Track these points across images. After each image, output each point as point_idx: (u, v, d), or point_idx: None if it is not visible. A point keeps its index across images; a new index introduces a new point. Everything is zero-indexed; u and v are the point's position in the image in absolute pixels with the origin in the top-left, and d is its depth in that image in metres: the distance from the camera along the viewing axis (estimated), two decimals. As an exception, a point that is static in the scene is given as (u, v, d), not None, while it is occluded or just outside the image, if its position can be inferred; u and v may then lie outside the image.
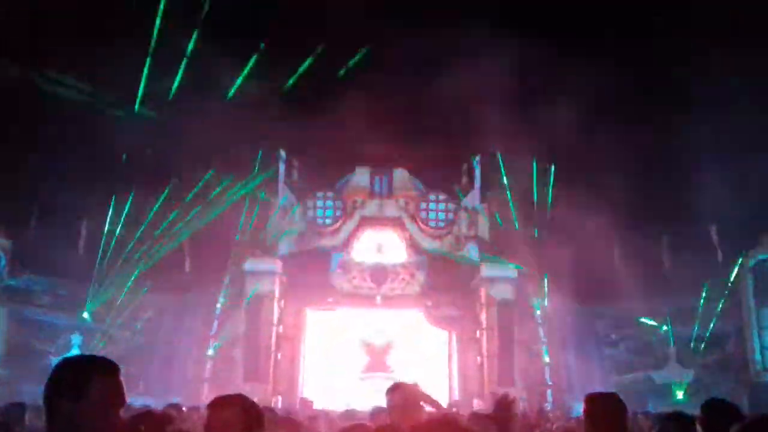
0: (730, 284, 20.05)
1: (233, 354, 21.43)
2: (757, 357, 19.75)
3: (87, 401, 2.08)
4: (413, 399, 3.91)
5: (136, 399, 13.79)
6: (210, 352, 21.54)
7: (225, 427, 2.61)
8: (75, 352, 23.19)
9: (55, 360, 22.58)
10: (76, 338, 23.32)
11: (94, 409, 2.08)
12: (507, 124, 18.48)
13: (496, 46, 17.53)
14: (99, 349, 23.72)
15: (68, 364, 2.25)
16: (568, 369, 21.33)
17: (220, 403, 2.75)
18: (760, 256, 19.66)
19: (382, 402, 4.14)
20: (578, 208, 18.06)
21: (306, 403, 18.73)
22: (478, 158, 23.50)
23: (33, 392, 17.74)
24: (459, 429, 1.55)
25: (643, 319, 21.56)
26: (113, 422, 2.14)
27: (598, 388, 20.83)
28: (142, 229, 21.39)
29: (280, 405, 18.91)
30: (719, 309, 20.32)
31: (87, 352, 23.16)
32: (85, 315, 22.95)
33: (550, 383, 21.17)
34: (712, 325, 20.95)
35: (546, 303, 22.09)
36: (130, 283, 22.49)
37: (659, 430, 4.48)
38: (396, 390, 3.94)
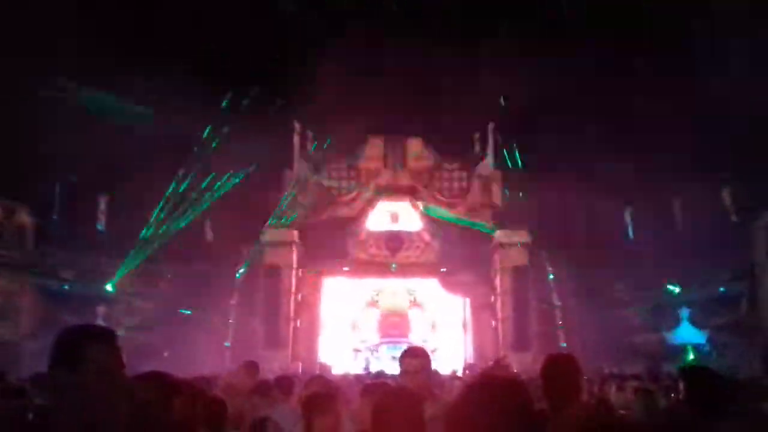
0: (743, 246, 20.10)
1: (253, 322, 21.95)
2: (770, 317, 19.85)
3: (83, 369, 2.08)
4: (428, 366, 3.81)
5: (160, 367, 14.36)
6: (231, 320, 22.06)
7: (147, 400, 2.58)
8: (100, 323, 23.87)
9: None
10: (100, 310, 23.93)
11: (91, 377, 2.08)
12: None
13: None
14: (123, 320, 24.43)
15: (64, 334, 2.24)
16: (582, 332, 21.63)
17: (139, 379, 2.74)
18: (774, 217, 19.63)
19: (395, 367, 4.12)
20: (588, 175, 18.17)
21: (325, 368, 19.27)
22: (491, 126, 23.56)
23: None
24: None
25: (669, 286, 21.69)
26: (114, 388, 2.14)
27: (612, 349, 21.21)
28: (162, 202, 21.79)
29: (300, 370, 19.48)
30: (732, 271, 20.41)
31: (111, 324, 23.85)
32: (109, 287, 23.54)
33: (564, 346, 21.52)
34: (724, 287, 21.11)
35: (560, 266, 22.34)
36: (151, 255, 22.99)
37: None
38: (412, 355, 3.83)
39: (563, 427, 2.76)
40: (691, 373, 3.58)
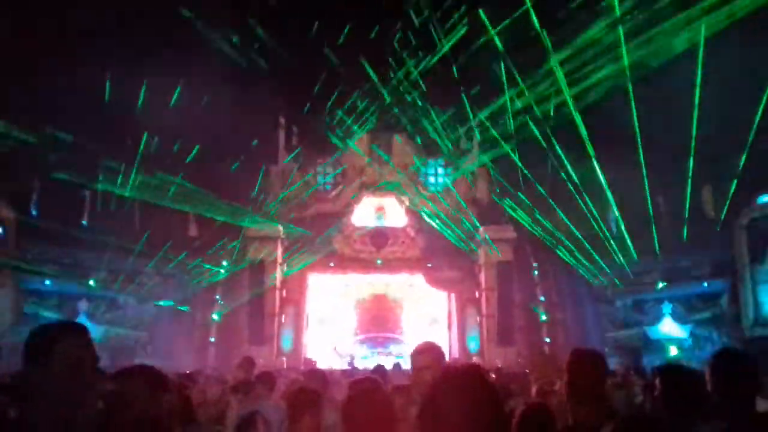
0: (723, 243, 20.37)
1: (238, 318, 21.86)
2: (750, 313, 20.17)
3: (51, 365, 2.07)
4: (439, 361, 3.71)
5: (143, 363, 14.28)
6: (215, 316, 21.96)
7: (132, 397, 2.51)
8: (82, 319, 23.67)
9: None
10: (82, 305, 23.74)
11: (58, 372, 2.07)
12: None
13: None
14: (105, 316, 24.25)
15: (35, 330, 2.23)
16: (565, 326, 21.82)
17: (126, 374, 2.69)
18: (754, 215, 19.93)
19: (382, 362, 4.06)
20: (574, 169, 18.28)
21: (309, 364, 19.25)
22: (476, 122, 23.61)
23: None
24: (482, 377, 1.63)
25: (651, 282, 21.93)
26: (82, 384, 2.12)
27: (595, 344, 21.39)
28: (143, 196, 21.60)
29: (285, 366, 19.44)
30: (713, 267, 20.69)
31: (94, 320, 23.67)
32: (91, 283, 23.34)
33: (547, 341, 21.69)
34: (706, 282, 21.39)
35: (544, 262, 22.50)
36: (134, 250, 22.79)
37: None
38: (424, 351, 3.73)
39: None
40: (665, 371, 3.58)
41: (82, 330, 2.25)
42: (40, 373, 2.09)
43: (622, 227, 19.80)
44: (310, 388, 3.93)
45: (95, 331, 23.68)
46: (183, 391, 3.47)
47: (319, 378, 4.53)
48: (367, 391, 2.71)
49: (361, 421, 2.49)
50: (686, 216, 18.88)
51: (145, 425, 2.43)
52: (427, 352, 3.70)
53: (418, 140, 23.54)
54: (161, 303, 22.32)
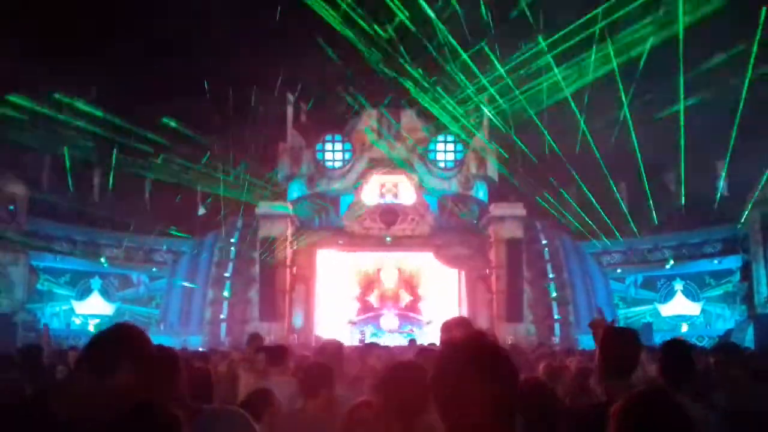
0: (737, 219, 20.22)
1: (249, 295, 21.99)
2: (763, 290, 20.06)
3: (113, 380, 2.00)
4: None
5: (156, 339, 14.43)
6: (226, 293, 22.09)
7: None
8: (96, 296, 23.95)
9: (76, 303, 23.40)
10: (95, 282, 23.98)
11: (120, 389, 2.00)
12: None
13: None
14: (118, 293, 24.51)
15: (102, 339, 2.14)
16: (575, 303, 21.79)
17: None
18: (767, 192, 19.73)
19: (392, 339, 3.94)
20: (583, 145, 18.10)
21: (320, 341, 19.34)
22: (485, 96, 23.39)
23: (56, 335, 18.47)
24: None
25: (663, 259, 21.84)
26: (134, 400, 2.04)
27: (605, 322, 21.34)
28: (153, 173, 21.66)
29: (296, 342, 19.57)
30: (726, 243, 20.57)
31: (107, 297, 23.93)
32: (103, 260, 23.53)
33: (557, 318, 21.69)
34: (718, 259, 21.27)
35: (553, 239, 22.44)
36: (145, 228, 22.93)
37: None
38: (459, 326, 3.60)
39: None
40: (667, 345, 3.63)
41: (146, 350, 2.14)
42: (96, 384, 1.99)
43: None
44: (324, 364, 3.90)
45: (108, 308, 23.97)
46: (198, 371, 3.43)
47: (331, 353, 4.50)
48: (406, 368, 2.66)
49: (399, 399, 2.44)
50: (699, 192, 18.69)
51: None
52: (461, 327, 3.56)
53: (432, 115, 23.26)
54: (176, 283, 22.48)
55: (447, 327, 3.62)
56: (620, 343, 3.13)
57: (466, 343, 1.59)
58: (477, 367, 1.49)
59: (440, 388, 1.52)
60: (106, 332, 2.17)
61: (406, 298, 23.50)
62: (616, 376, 3.01)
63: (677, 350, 3.47)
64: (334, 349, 4.67)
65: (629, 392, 1.98)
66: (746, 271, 20.52)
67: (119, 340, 2.12)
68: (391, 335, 21.68)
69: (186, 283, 22.31)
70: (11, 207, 21.10)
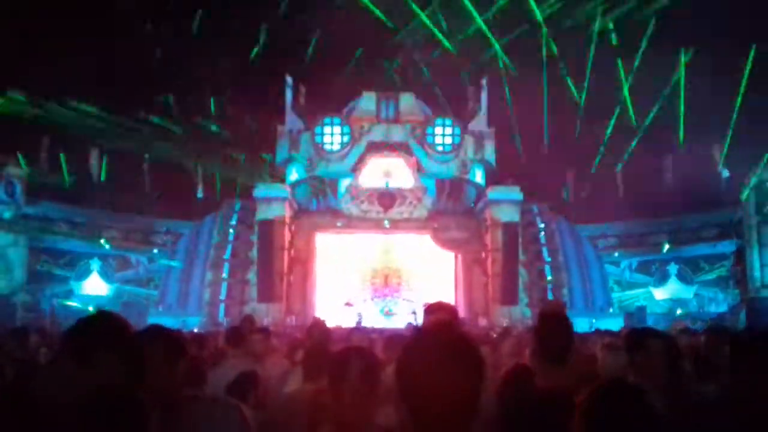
0: (731, 203, 20.32)
1: (247, 277, 22.13)
2: (756, 274, 20.21)
3: (94, 368, 2.01)
4: (453, 321, 3.50)
5: (154, 320, 14.56)
6: (224, 274, 22.22)
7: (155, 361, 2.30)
8: (95, 277, 24.11)
9: (75, 285, 23.56)
10: (95, 263, 24.11)
11: (101, 376, 1.99)
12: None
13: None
14: (117, 274, 24.66)
15: (83, 326, 2.16)
16: (570, 287, 21.95)
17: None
18: (763, 175, 19.81)
19: (389, 322, 3.91)
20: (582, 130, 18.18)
21: (318, 322, 19.50)
22: (485, 81, 23.39)
23: (56, 316, 18.65)
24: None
25: (657, 242, 21.94)
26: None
27: (600, 304, 21.59)
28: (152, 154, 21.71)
29: (294, 323, 19.76)
30: (720, 228, 20.68)
31: (106, 278, 24.09)
32: (103, 241, 23.65)
33: (551, 299, 21.83)
34: (712, 243, 21.40)
35: (550, 223, 22.56)
36: (144, 209, 23.02)
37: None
38: (437, 311, 3.53)
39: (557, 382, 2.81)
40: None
41: (130, 339, 2.16)
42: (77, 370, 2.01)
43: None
44: (325, 347, 3.91)
45: (107, 289, 24.15)
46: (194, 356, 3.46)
47: (319, 334, 4.56)
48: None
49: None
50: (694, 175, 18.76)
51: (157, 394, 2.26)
52: (441, 312, 3.50)
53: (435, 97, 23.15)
54: (171, 263, 22.60)
55: (426, 311, 3.60)
56: (553, 328, 3.19)
57: (431, 332, 1.63)
58: (441, 357, 1.51)
59: (404, 377, 1.53)
60: (87, 320, 2.20)
61: (401, 281, 23.65)
62: (549, 360, 3.06)
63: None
64: (321, 330, 4.71)
65: (596, 386, 1.99)
66: (740, 255, 20.67)
67: (99, 329, 2.14)
68: (387, 318, 21.88)
69: (184, 264, 22.41)
70: (10, 188, 21.17)
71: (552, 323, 3.25)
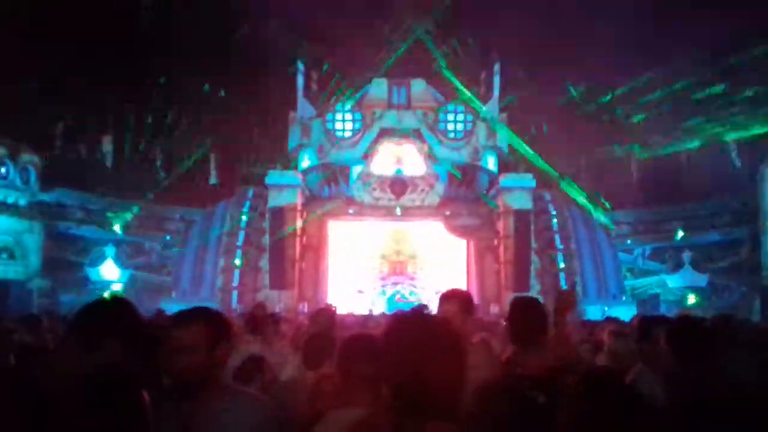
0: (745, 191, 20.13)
1: (259, 263, 22.25)
2: (771, 262, 20.03)
3: (100, 354, 2.03)
4: (465, 308, 3.49)
5: (169, 306, 14.69)
6: (237, 261, 22.36)
7: (189, 347, 2.23)
8: (110, 263, 24.33)
9: (90, 271, 23.82)
10: (109, 250, 24.30)
11: (106, 363, 2.01)
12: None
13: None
14: (131, 260, 24.87)
15: (89, 313, 2.17)
16: (583, 274, 21.88)
17: (182, 322, 2.33)
18: (779, 163, 19.58)
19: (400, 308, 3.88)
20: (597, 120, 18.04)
21: (330, 309, 19.61)
22: (497, 67, 23.22)
23: (71, 302, 18.88)
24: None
25: (671, 230, 21.81)
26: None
27: (613, 292, 21.50)
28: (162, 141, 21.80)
29: (306, 310, 19.87)
30: (734, 215, 20.49)
31: (120, 264, 24.31)
32: (117, 228, 23.85)
33: (564, 288, 21.78)
34: (726, 231, 21.22)
35: (562, 210, 22.46)
36: (158, 196, 23.15)
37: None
38: (450, 298, 3.54)
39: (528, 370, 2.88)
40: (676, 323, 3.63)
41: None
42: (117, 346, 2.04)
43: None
44: (326, 335, 3.92)
45: (122, 275, 24.39)
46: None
47: (325, 321, 4.58)
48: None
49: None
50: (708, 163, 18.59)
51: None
52: (454, 299, 3.50)
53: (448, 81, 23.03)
54: (184, 249, 22.75)
55: (440, 299, 3.60)
56: (524, 312, 3.28)
57: (406, 318, 1.65)
58: (418, 339, 1.54)
59: (387, 359, 1.57)
60: (92, 306, 2.19)
61: (413, 268, 23.68)
62: (523, 344, 3.16)
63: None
64: (326, 317, 4.72)
65: (584, 374, 2.02)
66: (754, 243, 20.49)
67: (103, 316, 2.14)
68: (399, 305, 21.92)
69: (197, 251, 22.56)
70: (25, 175, 21.37)
71: (522, 309, 3.33)
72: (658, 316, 4.61)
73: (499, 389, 2.23)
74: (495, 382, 2.62)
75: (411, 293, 23.10)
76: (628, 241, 23.35)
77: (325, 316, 4.77)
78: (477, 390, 1.75)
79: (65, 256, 23.74)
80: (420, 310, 1.66)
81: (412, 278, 23.63)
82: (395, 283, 23.47)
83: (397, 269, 23.74)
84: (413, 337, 1.57)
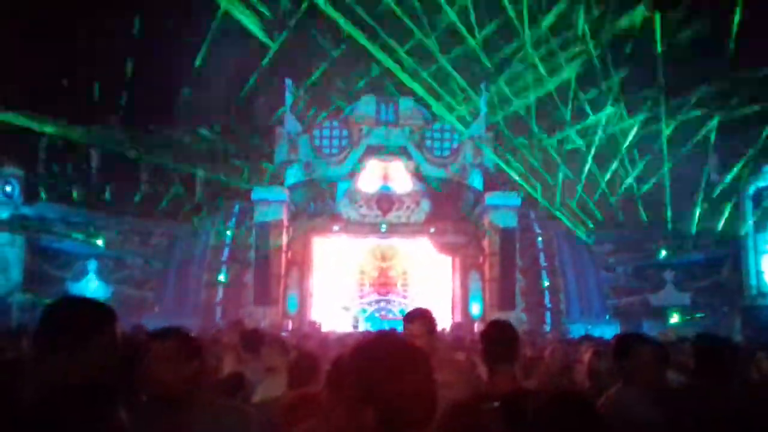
0: (728, 211, 20.38)
1: (244, 279, 22.14)
2: (752, 282, 20.26)
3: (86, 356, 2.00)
4: (430, 328, 3.60)
5: (151, 322, 14.55)
6: (221, 277, 22.24)
7: (167, 358, 2.41)
8: (92, 278, 24.08)
9: (72, 286, 23.54)
10: (92, 264, 24.07)
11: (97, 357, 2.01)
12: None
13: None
14: (114, 275, 24.62)
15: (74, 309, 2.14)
16: (567, 293, 22.00)
17: (161, 335, 2.56)
18: (760, 184, 19.88)
19: (386, 326, 3.96)
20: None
21: (314, 326, 19.56)
22: (484, 86, 23.43)
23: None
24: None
25: (654, 249, 22.03)
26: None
27: (596, 310, 21.62)
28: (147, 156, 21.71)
29: (290, 327, 19.78)
30: (716, 234, 20.72)
31: (102, 279, 24.07)
32: (99, 242, 23.63)
33: (548, 306, 21.89)
34: (708, 251, 21.44)
35: (547, 228, 22.61)
36: (142, 210, 23.00)
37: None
38: (415, 320, 3.61)
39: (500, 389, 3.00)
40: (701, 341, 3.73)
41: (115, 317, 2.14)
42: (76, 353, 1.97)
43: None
44: (312, 356, 3.91)
45: (104, 291, 24.12)
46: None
47: (312, 345, 4.56)
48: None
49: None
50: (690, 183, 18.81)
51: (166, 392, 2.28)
52: (418, 320, 3.57)
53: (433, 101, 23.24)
54: (168, 264, 22.60)
55: (405, 320, 3.67)
56: (497, 332, 3.38)
57: (379, 337, 1.66)
58: (397, 358, 1.56)
59: (369, 380, 1.55)
60: (49, 312, 2.14)
61: (399, 285, 23.68)
62: (496, 362, 3.23)
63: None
64: (314, 341, 4.71)
65: (548, 395, 2.07)
66: (735, 262, 20.73)
67: (87, 311, 2.11)
68: (384, 323, 21.87)
69: (181, 267, 22.42)
70: (7, 188, 21.18)
71: (493, 330, 3.44)
72: (637, 333, 4.64)
73: (462, 408, 2.27)
74: (460, 401, 2.67)
75: (399, 311, 23.06)
76: (611, 260, 23.51)
77: (313, 341, 4.76)
78: (445, 408, 1.76)
79: (47, 270, 23.44)
80: (385, 332, 1.68)
81: (398, 295, 23.62)
82: (380, 300, 23.45)
83: (383, 286, 23.73)
84: (376, 357, 1.57)
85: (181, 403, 2.30)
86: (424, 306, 4.08)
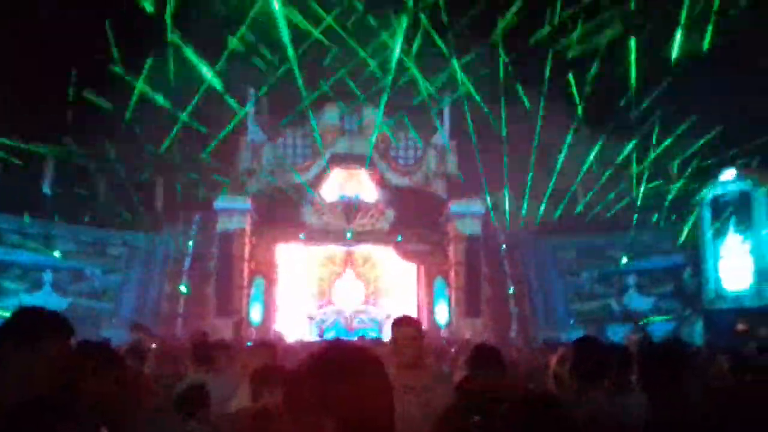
0: (687, 217, 20.79)
1: (206, 290, 21.75)
2: (711, 286, 20.66)
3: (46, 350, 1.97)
4: (421, 334, 3.70)
5: (109, 332, 14.17)
6: (182, 288, 21.81)
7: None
8: (47, 290, 23.39)
9: (26, 298, 22.80)
10: (47, 276, 23.39)
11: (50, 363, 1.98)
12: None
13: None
14: (71, 287, 23.96)
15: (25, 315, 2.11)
16: (532, 299, 22.15)
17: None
18: (718, 191, 20.31)
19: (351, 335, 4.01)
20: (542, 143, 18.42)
21: (278, 336, 19.27)
22: (446, 98, 23.53)
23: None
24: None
25: (617, 255, 22.35)
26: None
27: (561, 315, 21.81)
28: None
29: (253, 338, 19.43)
30: (677, 241, 21.11)
31: (59, 291, 23.40)
32: (56, 253, 22.96)
33: (514, 313, 22.00)
34: (669, 256, 21.84)
35: (512, 235, 22.74)
36: (99, 220, 22.44)
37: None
38: (405, 323, 3.68)
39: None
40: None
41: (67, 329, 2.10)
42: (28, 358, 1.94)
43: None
44: (276, 367, 3.84)
45: (60, 303, 23.42)
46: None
47: (268, 351, 4.44)
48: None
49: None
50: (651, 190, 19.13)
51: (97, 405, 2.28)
52: (410, 326, 3.65)
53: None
54: (127, 275, 22.08)
55: (394, 325, 3.70)
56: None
57: (334, 346, 1.59)
58: (354, 368, 1.50)
59: (330, 390, 1.49)
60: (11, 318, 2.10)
61: (365, 293, 23.54)
62: (475, 369, 3.45)
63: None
64: (275, 351, 4.63)
65: (518, 399, 2.14)
66: (695, 267, 21.14)
67: (42, 314, 2.09)
68: (350, 333, 21.70)
69: (141, 277, 21.93)
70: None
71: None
72: (593, 337, 4.63)
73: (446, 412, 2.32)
74: (448, 407, 2.70)
75: (369, 319, 22.92)
76: (575, 266, 23.78)
77: (273, 351, 4.63)
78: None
79: (0, 283, 22.71)
80: (339, 341, 1.65)
81: (364, 303, 23.49)
82: (345, 309, 23.26)
83: (347, 294, 23.55)
84: (331, 366, 1.50)
85: (110, 415, 2.32)
86: (389, 314, 4.17)
